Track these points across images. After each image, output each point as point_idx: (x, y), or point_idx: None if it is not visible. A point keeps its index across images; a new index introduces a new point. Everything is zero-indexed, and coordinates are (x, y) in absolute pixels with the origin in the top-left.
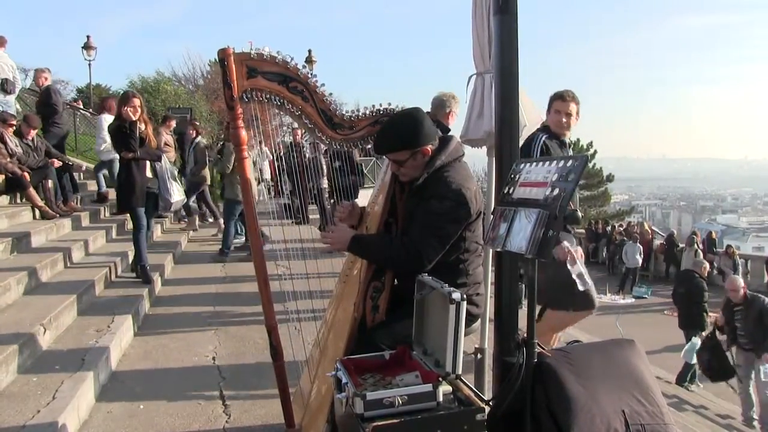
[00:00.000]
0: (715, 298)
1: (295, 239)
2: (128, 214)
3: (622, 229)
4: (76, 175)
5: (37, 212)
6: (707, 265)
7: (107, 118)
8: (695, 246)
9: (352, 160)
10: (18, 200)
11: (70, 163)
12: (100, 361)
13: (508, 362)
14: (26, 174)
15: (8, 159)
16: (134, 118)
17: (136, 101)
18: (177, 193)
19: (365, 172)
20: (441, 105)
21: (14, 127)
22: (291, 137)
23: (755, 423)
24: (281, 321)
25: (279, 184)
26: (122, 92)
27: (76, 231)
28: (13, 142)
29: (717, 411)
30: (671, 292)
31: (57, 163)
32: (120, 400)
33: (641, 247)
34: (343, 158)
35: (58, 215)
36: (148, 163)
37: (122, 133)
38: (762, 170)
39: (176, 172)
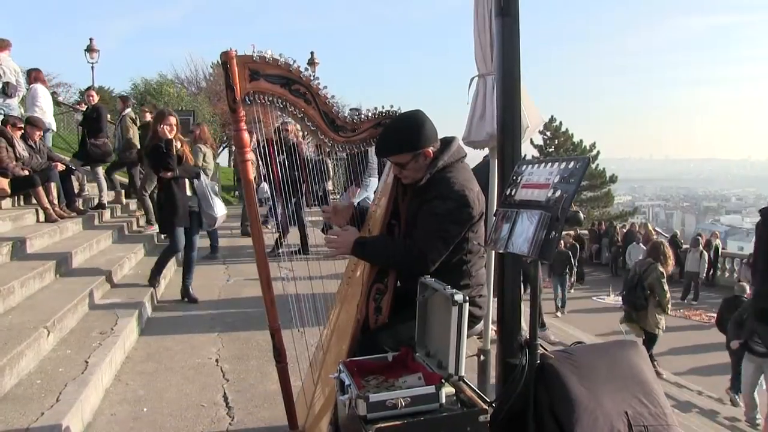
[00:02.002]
0: None
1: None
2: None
3: (624, 230)
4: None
5: (41, 215)
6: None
7: (40, 88)
8: (700, 247)
9: (299, 154)
10: (22, 202)
11: (74, 168)
12: (104, 364)
13: (510, 363)
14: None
15: (14, 163)
16: (170, 136)
17: (172, 119)
18: (220, 208)
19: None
20: None
21: (22, 131)
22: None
23: (759, 421)
24: (284, 323)
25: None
26: (158, 109)
27: (79, 234)
28: (20, 146)
29: (722, 412)
30: (714, 319)
31: (60, 167)
32: (124, 403)
33: (644, 248)
34: (288, 151)
35: (60, 218)
36: (187, 181)
37: (159, 152)
38: (765, 170)
39: (216, 187)
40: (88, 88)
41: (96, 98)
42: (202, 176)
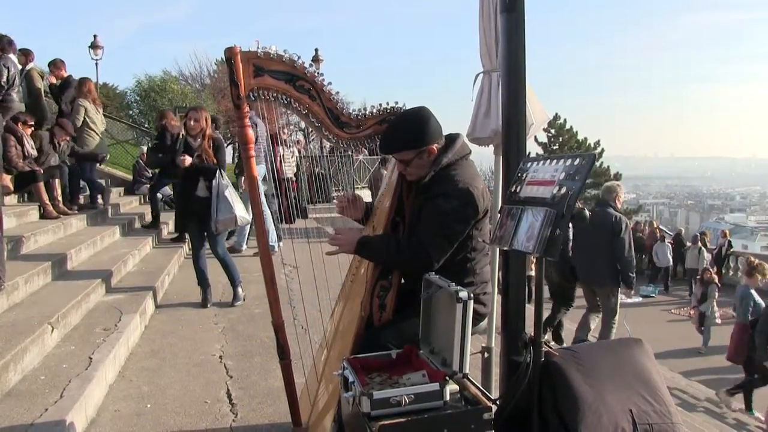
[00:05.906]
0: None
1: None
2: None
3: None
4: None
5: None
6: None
7: None
8: (699, 244)
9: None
10: (25, 199)
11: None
12: (108, 360)
13: (515, 361)
14: (37, 168)
15: (21, 160)
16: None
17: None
18: (224, 211)
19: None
20: (610, 191)
21: (33, 128)
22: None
23: None
24: (288, 319)
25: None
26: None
27: (83, 230)
28: (29, 144)
29: (727, 411)
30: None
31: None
32: (127, 399)
33: (670, 245)
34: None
35: (60, 216)
36: (201, 180)
37: None
38: None
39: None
40: None
41: None
42: (218, 176)
